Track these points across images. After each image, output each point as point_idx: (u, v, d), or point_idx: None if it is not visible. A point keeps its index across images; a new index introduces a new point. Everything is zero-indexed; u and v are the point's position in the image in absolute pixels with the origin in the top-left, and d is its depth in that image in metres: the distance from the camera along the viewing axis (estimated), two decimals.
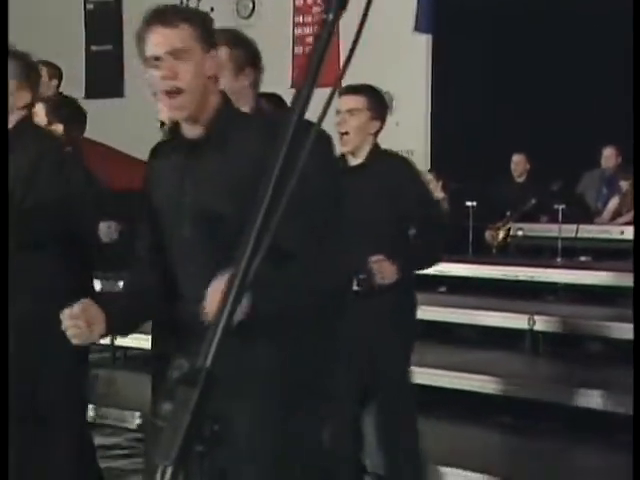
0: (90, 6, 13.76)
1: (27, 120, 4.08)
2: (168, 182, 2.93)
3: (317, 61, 1.47)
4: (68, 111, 5.03)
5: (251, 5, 12.52)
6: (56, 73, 7.40)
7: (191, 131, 2.89)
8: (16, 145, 3.85)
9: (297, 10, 12.21)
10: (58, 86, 7.29)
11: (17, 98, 4.01)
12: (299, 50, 12.10)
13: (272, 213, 1.36)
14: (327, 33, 1.48)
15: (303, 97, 1.44)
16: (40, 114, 4.67)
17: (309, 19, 12.01)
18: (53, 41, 12.84)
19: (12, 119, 3.96)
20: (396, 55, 11.08)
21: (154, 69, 2.86)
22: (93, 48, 13.73)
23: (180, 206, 2.87)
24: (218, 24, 8.95)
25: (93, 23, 13.66)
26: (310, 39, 11.80)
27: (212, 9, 11.95)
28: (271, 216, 1.36)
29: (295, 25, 12.22)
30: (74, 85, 12.45)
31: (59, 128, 4.87)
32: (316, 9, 11.86)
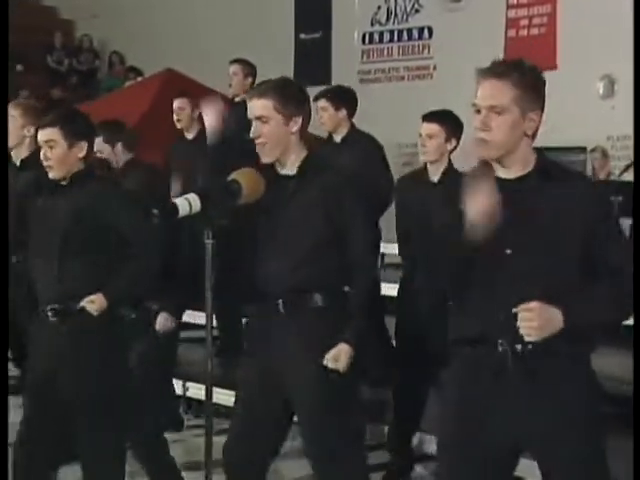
0: None
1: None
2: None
3: None
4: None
5: None
6: (251, 71, 7.51)
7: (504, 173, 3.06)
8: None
9: None
10: (252, 83, 7.31)
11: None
12: (512, 33, 11.43)
13: None
14: None
15: None
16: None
17: (524, 0, 11.39)
18: (263, 30, 13.24)
19: None
20: (617, 37, 10.14)
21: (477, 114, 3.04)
22: (302, 36, 13.61)
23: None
24: (429, 8, 9.90)
25: (302, 11, 13.55)
26: (524, 22, 11.29)
27: None
28: None
29: (508, 7, 11.53)
30: (283, 73, 13.63)
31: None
32: None
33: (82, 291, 4.07)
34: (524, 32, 11.22)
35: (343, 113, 6.28)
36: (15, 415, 4.42)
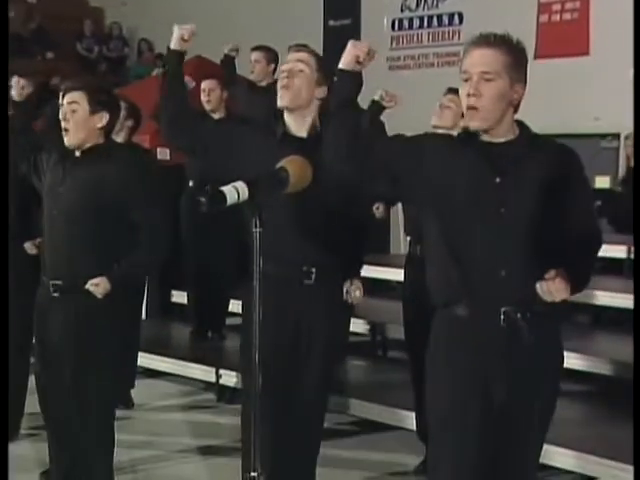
0: None
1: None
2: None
3: None
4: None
5: None
6: (273, 57, 7.69)
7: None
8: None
9: None
10: (274, 70, 7.51)
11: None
12: (544, 19, 11.26)
13: None
14: None
15: None
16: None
17: None
18: (292, 16, 13.21)
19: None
20: None
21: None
22: (331, 23, 13.62)
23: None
24: None
25: None
26: (557, 7, 11.13)
27: None
28: None
29: None
30: None
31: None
32: None
33: (85, 271, 4.07)
34: (556, 17, 11.07)
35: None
36: None
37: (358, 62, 3.26)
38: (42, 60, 15.40)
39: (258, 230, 2.30)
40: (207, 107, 7.23)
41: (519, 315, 3.06)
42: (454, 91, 4.90)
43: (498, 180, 3.10)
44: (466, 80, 3.11)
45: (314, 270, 3.88)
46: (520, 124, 3.21)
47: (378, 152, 3.20)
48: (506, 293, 3.07)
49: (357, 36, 12.95)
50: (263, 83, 7.74)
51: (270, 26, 12.78)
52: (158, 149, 8.48)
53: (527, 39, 9.84)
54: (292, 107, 3.91)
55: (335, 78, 3.34)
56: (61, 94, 4.21)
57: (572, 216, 3.13)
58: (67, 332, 4.09)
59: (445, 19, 12.34)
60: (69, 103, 4.13)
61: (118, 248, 4.14)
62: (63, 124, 4.14)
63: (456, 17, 12.21)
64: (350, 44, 3.28)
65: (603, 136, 9.98)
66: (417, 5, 12.64)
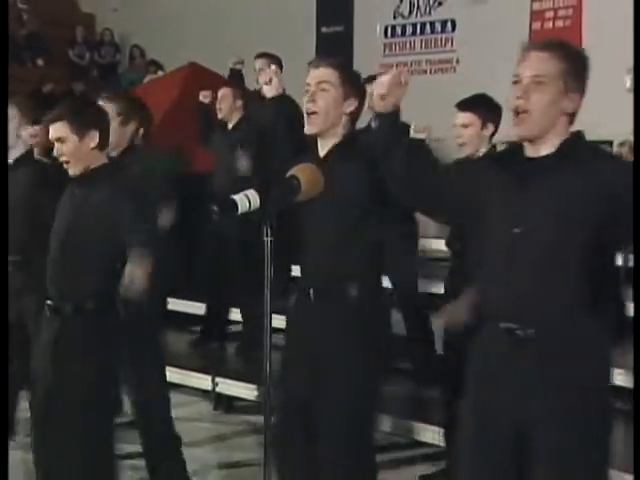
0: None
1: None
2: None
3: None
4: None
5: None
6: (277, 64, 7.10)
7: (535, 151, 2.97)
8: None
9: None
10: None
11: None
12: (537, 26, 11.29)
13: None
14: None
15: None
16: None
17: None
18: (285, 23, 13.18)
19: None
20: None
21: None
22: (324, 29, 13.58)
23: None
24: (452, 1, 9.95)
25: (325, 4, 13.52)
26: (550, 14, 11.16)
27: None
28: None
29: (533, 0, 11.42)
30: (305, 66, 14.37)
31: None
32: None
33: (78, 293, 4.04)
34: (549, 24, 11.10)
35: None
36: None
37: (383, 98, 3.15)
38: (33, 67, 15.36)
39: (269, 239, 2.28)
40: (219, 115, 7.33)
41: (521, 332, 2.95)
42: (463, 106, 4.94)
43: (521, 197, 2.97)
44: (515, 82, 2.96)
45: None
46: (575, 135, 3.01)
47: (436, 186, 3.17)
48: (516, 310, 2.96)
49: (350, 43, 13.08)
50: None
51: (263, 32, 12.74)
52: None
53: (519, 46, 10.05)
54: (321, 132, 3.71)
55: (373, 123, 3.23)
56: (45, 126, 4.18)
57: (605, 246, 2.96)
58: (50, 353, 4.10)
59: (438, 26, 12.34)
60: (56, 139, 4.10)
61: (110, 270, 4.07)
62: (60, 159, 4.10)
63: (449, 24, 12.21)
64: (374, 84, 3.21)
65: (597, 143, 10.05)
66: (410, 12, 12.64)
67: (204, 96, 7.45)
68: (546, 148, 2.97)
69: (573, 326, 2.92)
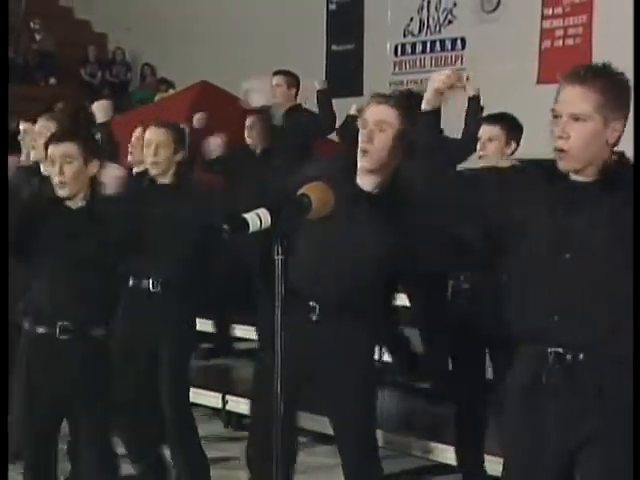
0: (332, 6, 13.68)
1: None
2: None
3: None
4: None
5: None
6: (294, 81, 7.51)
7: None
8: None
9: (546, 2, 11.32)
10: (296, 94, 7.44)
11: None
12: (547, 44, 11.24)
13: None
14: None
15: None
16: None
17: (559, 11, 11.21)
18: (295, 41, 13.22)
19: None
20: None
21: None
22: (334, 47, 13.63)
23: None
24: (462, 19, 9.69)
25: (335, 23, 13.59)
26: (560, 32, 11.11)
27: (455, 4, 12.17)
28: None
29: (543, 18, 11.32)
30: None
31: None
32: (567, 0, 11.11)
33: (70, 318, 4.05)
34: (559, 43, 11.07)
35: None
36: None
37: (441, 93, 3.14)
38: (45, 85, 15.45)
39: (280, 257, 2.29)
40: (249, 141, 7.27)
41: (571, 357, 2.94)
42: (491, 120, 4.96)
43: (567, 223, 2.93)
44: (555, 117, 2.88)
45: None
46: (619, 158, 2.96)
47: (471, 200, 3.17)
48: (557, 336, 2.94)
49: (360, 61, 13.15)
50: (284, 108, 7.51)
51: (273, 50, 12.79)
52: None
53: (530, 64, 10.34)
54: (372, 170, 3.68)
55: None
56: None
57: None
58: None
59: (448, 44, 12.36)
60: (61, 156, 4.06)
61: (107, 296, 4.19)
62: (56, 178, 4.06)
63: (459, 42, 12.21)
64: (430, 79, 3.19)
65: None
66: (420, 30, 12.66)
67: (198, 120, 7.45)
68: (591, 172, 2.92)
69: (620, 347, 2.92)
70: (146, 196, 4.82)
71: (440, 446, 5.56)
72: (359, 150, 3.65)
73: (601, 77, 2.87)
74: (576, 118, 2.85)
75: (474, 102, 6.17)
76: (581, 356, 2.92)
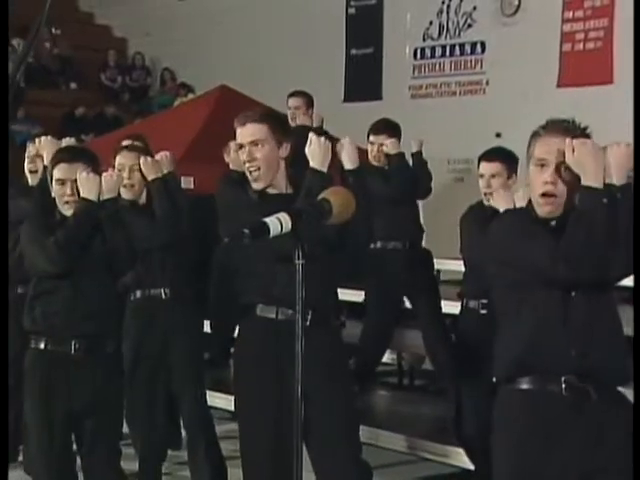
0: (352, 10, 13.66)
1: None
2: None
3: None
4: None
5: (517, 2, 11.77)
6: (310, 101, 7.42)
7: None
8: None
9: (567, 5, 11.29)
10: (312, 114, 7.31)
11: None
12: (567, 47, 11.18)
13: None
14: None
15: None
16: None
17: (580, 14, 11.17)
18: (314, 45, 13.23)
19: None
20: None
21: None
22: (353, 51, 13.61)
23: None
24: (482, 22, 9.74)
25: (354, 27, 13.59)
26: (580, 36, 11.08)
27: (475, 8, 12.13)
28: None
29: (564, 21, 11.28)
30: (334, 88, 12.96)
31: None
32: (588, 3, 11.06)
33: (84, 335, 4.12)
34: (580, 46, 11.01)
35: None
36: None
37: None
38: (66, 90, 15.51)
39: (301, 262, 2.29)
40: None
41: (582, 385, 3.01)
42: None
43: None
44: (542, 166, 3.05)
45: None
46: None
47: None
48: (574, 367, 3.02)
49: (379, 65, 13.16)
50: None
51: (292, 55, 12.92)
52: (182, 178, 8.47)
53: (550, 67, 10.08)
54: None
55: None
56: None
57: None
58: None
59: (467, 48, 12.32)
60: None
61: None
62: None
63: (478, 46, 12.17)
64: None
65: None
66: (439, 34, 12.63)
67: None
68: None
69: (625, 371, 3.05)
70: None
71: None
72: None
73: (572, 129, 3.10)
74: (566, 167, 3.00)
75: (417, 156, 6.61)
76: (591, 384, 3.00)
